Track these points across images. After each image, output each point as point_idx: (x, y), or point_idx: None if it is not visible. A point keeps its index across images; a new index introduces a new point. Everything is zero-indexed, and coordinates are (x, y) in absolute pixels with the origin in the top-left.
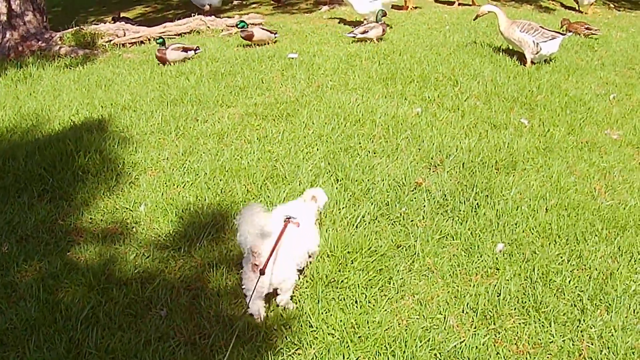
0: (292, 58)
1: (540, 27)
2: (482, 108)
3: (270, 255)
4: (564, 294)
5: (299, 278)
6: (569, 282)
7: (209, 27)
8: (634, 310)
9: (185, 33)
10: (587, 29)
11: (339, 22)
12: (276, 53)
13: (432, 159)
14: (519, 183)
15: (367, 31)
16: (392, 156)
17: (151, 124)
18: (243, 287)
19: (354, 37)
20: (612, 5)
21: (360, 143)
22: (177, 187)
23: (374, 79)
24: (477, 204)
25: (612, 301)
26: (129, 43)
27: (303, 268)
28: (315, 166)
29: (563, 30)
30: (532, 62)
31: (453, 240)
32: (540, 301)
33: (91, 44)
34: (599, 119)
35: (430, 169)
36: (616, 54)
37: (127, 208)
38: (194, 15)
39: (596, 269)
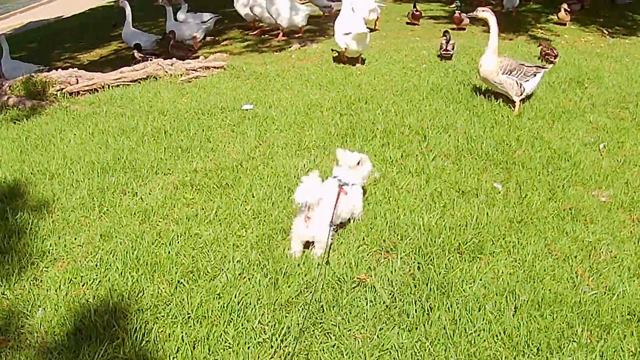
0: (247, 110)
1: (520, 64)
2: (451, 169)
3: (334, 213)
4: None
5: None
6: None
7: (167, 72)
8: None
9: (141, 79)
10: (546, 54)
11: (307, 61)
12: (231, 104)
13: (384, 241)
14: (485, 272)
15: (454, 47)
16: (337, 240)
17: (75, 197)
18: (292, 231)
19: (447, 53)
20: (605, 32)
21: None
22: (83, 285)
23: (332, 135)
24: (431, 305)
25: None
26: (82, 91)
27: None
28: (244, 256)
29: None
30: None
31: (398, 356)
32: None
33: (41, 94)
34: (585, 176)
35: (381, 254)
36: (608, 90)
37: (24, 313)
38: (151, 59)
39: None
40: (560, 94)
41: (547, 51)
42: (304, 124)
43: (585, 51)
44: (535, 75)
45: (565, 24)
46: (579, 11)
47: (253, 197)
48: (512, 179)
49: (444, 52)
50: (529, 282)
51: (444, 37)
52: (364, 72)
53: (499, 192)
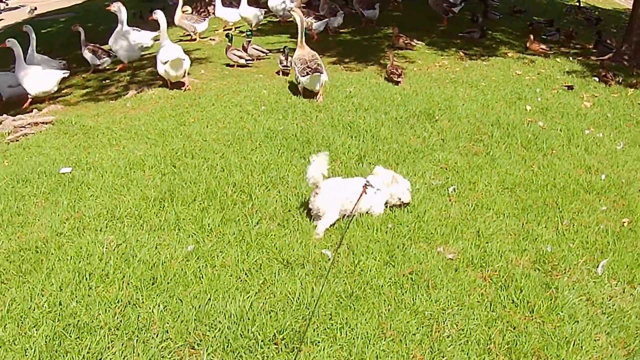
0: (65, 173)
1: (308, 61)
2: (276, 234)
3: (357, 202)
4: None
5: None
6: None
7: None
8: None
9: None
10: (391, 73)
11: (140, 109)
12: (50, 167)
13: (190, 334)
14: None
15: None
16: (138, 336)
17: None
18: (310, 206)
19: (285, 68)
20: (462, 54)
21: (98, 316)
22: None
23: (149, 200)
24: None
25: None
26: None
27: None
28: None
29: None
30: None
31: None
32: None
33: None
34: (430, 230)
35: (185, 350)
36: (461, 121)
37: None
38: None
39: None
40: (407, 131)
41: (391, 70)
42: (122, 188)
43: (438, 78)
44: (307, 74)
45: (404, 49)
46: (478, 39)
47: (52, 284)
48: (344, 241)
49: (283, 67)
50: None
51: (282, 54)
52: (198, 119)
53: (328, 260)
